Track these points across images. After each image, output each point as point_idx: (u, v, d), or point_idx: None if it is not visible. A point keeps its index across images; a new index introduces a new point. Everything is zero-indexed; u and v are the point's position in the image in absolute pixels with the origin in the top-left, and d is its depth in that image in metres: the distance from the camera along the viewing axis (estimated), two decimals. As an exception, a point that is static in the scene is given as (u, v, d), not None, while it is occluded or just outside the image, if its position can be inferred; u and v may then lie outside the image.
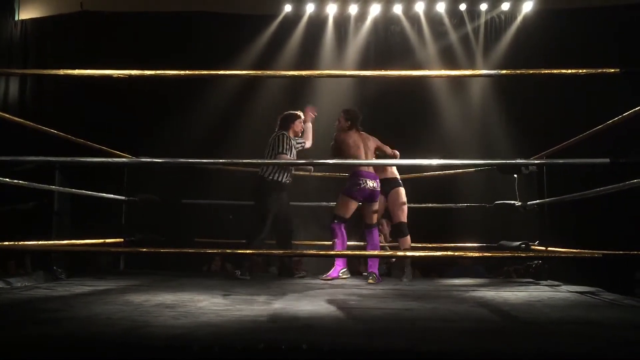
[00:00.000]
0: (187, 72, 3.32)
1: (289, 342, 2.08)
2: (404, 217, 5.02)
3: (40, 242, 4.29)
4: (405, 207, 5.06)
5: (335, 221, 4.69)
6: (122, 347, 2.03)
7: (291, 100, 7.90)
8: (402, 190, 5.10)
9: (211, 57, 7.82)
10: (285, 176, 5.04)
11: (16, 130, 5.11)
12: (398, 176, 5.20)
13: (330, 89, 7.89)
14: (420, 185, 6.54)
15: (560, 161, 3.89)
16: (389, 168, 5.17)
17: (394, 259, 5.44)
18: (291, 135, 5.19)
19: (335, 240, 4.71)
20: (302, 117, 5.28)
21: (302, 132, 5.32)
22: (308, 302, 3.20)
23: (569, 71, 3.20)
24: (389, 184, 5.09)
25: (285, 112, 5.31)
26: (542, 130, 7.00)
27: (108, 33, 8.26)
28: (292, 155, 5.09)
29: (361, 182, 4.63)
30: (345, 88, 7.95)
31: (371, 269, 4.65)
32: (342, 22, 8.37)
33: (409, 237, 4.98)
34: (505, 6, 8.09)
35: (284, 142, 5.03)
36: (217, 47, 8.06)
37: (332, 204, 5.74)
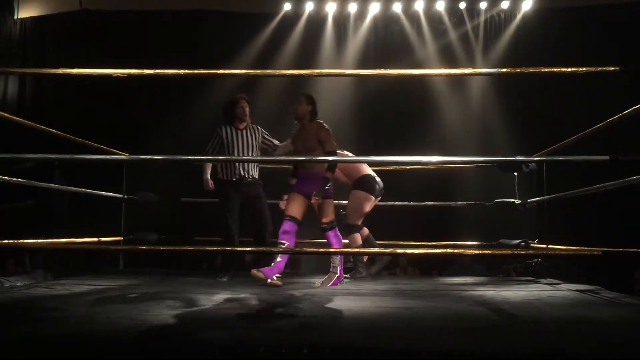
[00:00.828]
0: (186, 71, 3.32)
1: (290, 342, 2.08)
2: (349, 220, 4.87)
3: (39, 241, 4.28)
4: (353, 210, 4.86)
5: (333, 226, 4.33)
6: (121, 346, 2.02)
7: (290, 98, 7.89)
8: (355, 193, 4.88)
9: (211, 56, 7.82)
10: (229, 174, 4.74)
11: (15, 129, 5.10)
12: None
13: (329, 87, 7.88)
14: (420, 183, 6.55)
15: (560, 158, 3.88)
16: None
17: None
18: (238, 124, 4.82)
19: (338, 246, 4.38)
20: (242, 99, 4.84)
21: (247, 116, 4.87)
22: (307, 302, 3.20)
23: (569, 69, 3.20)
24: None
25: (229, 98, 4.97)
26: (541, 129, 7.00)
27: (107, 32, 8.26)
28: (230, 149, 4.75)
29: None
30: (344, 87, 7.95)
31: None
32: (341, 21, 8.37)
33: (356, 236, 4.82)
34: (504, 4, 8.08)
35: (210, 140, 4.84)
36: (216, 45, 8.05)
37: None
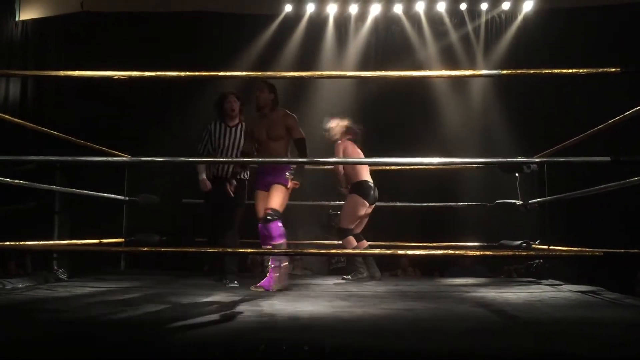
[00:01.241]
0: (187, 73, 3.32)
1: (290, 342, 2.08)
2: (341, 223, 4.91)
3: (41, 242, 4.29)
4: (347, 214, 4.90)
5: (277, 217, 4.07)
6: (122, 348, 2.02)
7: (291, 100, 7.90)
8: (350, 197, 4.91)
9: (212, 57, 7.82)
10: (210, 172, 4.69)
11: (17, 131, 5.10)
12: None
13: (330, 89, 7.88)
14: (421, 184, 6.55)
15: (562, 159, 3.88)
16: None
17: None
18: (228, 121, 4.67)
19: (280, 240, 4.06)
20: (231, 94, 4.70)
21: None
22: (309, 303, 3.20)
23: (570, 71, 3.20)
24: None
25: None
26: (543, 130, 7.00)
27: (108, 33, 8.27)
28: (216, 145, 4.61)
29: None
30: (345, 88, 7.95)
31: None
32: (342, 22, 8.37)
33: (350, 239, 4.83)
34: (505, 5, 8.08)
35: (201, 137, 4.72)
36: (217, 47, 8.05)
37: (333, 202, 5.75)
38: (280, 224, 4.07)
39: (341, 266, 5.98)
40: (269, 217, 4.03)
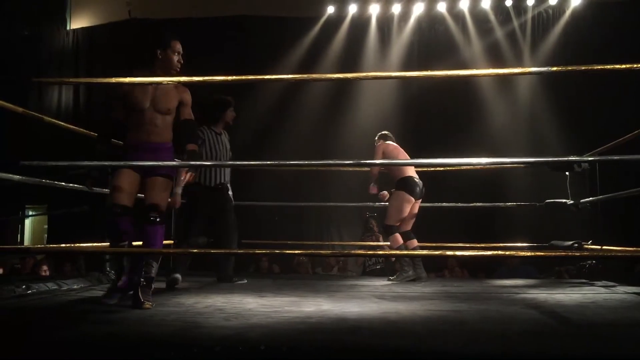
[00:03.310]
0: (234, 77, 3.36)
1: (338, 343, 2.08)
2: (387, 220, 4.91)
3: (94, 244, 4.41)
4: (394, 211, 4.89)
5: (163, 220, 3.32)
6: (174, 348, 2.06)
7: (335, 101, 7.92)
8: (396, 193, 4.91)
9: (256, 61, 7.91)
10: (205, 180, 4.45)
11: (70, 136, 5.26)
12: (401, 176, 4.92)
13: (374, 89, 7.87)
14: (468, 184, 6.47)
15: (615, 157, 3.74)
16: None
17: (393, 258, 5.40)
18: (217, 128, 4.55)
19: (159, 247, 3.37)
20: (232, 103, 4.57)
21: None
22: (356, 304, 3.20)
23: (623, 66, 3.09)
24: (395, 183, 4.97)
25: (215, 98, 4.63)
26: (594, 127, 6.82)
27: (155, 39, 8.45)
28: (209, 155, 4.42)
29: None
30: (389, 88, 7.92)
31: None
32: (385, 22, 8.35)
33: (396, 236, 4.83)
34: (552, 0, 7.91)
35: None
36: (261, 50, 8.14)
37: (377, 204, 5.72)
38: (162, 230, 3.28)
39: (379, 267, 5.95)
40: (154, 219, 3.22)
